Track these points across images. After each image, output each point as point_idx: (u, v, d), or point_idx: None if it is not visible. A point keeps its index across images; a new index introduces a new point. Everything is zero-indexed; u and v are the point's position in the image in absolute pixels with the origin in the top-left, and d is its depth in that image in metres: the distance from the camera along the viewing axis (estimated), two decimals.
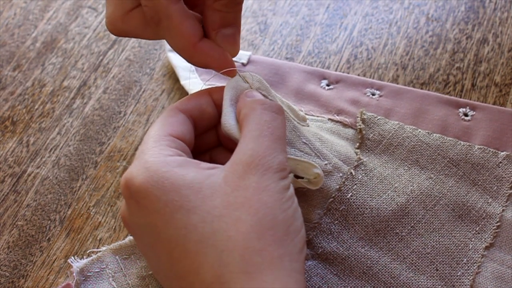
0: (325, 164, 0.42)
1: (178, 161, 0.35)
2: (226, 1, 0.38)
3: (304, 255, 0.34)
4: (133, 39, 0.55)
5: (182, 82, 0.50)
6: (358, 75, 0.51)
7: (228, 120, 0.39)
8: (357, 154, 0.44)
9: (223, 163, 0.39)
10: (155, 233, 0.34)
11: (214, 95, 0.40)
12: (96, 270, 0.42)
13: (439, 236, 0.41)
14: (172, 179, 0.34)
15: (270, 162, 0.34)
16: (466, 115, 0.47)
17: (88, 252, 0.44)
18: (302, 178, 0.40)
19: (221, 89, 0.40)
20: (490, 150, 0.45)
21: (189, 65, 0.50)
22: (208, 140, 0.41)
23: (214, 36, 0.39)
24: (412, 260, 0.41)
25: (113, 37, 0.55)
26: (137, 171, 0.34)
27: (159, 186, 0.33)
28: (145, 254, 0.37)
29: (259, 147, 0.35)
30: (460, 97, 0.49)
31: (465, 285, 0.40)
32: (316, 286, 0.40)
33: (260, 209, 0.33)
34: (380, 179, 0.43)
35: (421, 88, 0.50)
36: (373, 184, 0.43)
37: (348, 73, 0.51)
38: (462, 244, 0.41)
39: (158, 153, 0.35)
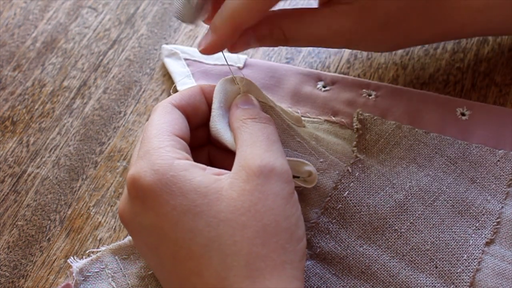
0: (321, 162, 0.42)
1: (185, 165, 0.35)
2: None
3: (304, 264, 0.35)
4: (133, 39, 0.55)
5: (179, 87, 0.50)
6: (358, 75, 0.51)
7: (216, 125, 0.39)
8: (354, 152, 0.44)
9: (221, 161, 0.40)
10: (160, 235, 0.34)
11: (206, 93, 0.40)
12: (96, 270, 0.42)
13: (439, 232, 0.41)
14: (180, 183, 0.34)
15: (272, 163, 0.35)
16: (463, 114, 0.47)
17: (87, 252, 0.44)
18: (298, 177, 0.40)
19: (213, 87, 0.40)
20: (487, 149, 0.44)
21: (185, 70, 0.51)
22: (200, 136, 0.41)
23: None
24: (412, 258, 0.40)
25: (113, 37, 0.55)
26: (145, 173, 0.35)
27: (167, 190, 0.34)
28: (142, 252, 0.37)
29: (257, 150, 0.35)
30: (460, 97, 0.49)
31: (465, 282, 0.40)
32: (315, 286, 0.40)
33: (265, 215, 0.33)
34: (378, 176, 0.43)
35: (421, 88, 0.50)
36: (371, 181, 0.43)
37: (348, 73, 0.51)
38: (462, 240, 0.41)
39: (165, 155, 0.35)
